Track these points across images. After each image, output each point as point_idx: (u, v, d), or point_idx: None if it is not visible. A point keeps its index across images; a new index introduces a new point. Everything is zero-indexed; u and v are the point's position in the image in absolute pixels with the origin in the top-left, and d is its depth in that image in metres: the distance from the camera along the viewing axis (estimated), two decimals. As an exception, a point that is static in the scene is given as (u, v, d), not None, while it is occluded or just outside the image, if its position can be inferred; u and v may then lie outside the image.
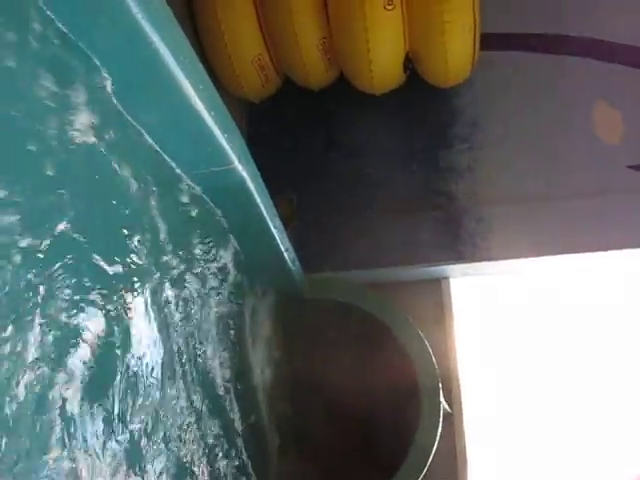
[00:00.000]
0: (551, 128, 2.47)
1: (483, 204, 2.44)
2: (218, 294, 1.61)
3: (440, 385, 2.01)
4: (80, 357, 1.02)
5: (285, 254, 1.79)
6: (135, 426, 1.18)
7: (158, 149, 1.34)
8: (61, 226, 1.01)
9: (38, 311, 0.94)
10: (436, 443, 1.93)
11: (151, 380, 1.25)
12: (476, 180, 2.48)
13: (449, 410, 2.22)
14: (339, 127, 2.64)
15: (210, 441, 1.52)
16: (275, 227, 1.68)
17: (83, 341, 1.03)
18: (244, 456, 1.71)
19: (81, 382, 1.02)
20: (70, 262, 1.02)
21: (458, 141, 2.53)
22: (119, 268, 1.16)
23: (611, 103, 2.46)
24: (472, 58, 2.34)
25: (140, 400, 1.19)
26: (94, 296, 1.08)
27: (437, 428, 1.93)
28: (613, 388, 2.49)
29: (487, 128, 2.52)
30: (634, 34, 2.51)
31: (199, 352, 1.52)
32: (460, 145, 2.52)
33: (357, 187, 2.53)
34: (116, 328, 1.13)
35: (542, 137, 2.46)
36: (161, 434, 1.27)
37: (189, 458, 1.40)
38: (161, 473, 1.26)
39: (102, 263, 1.11)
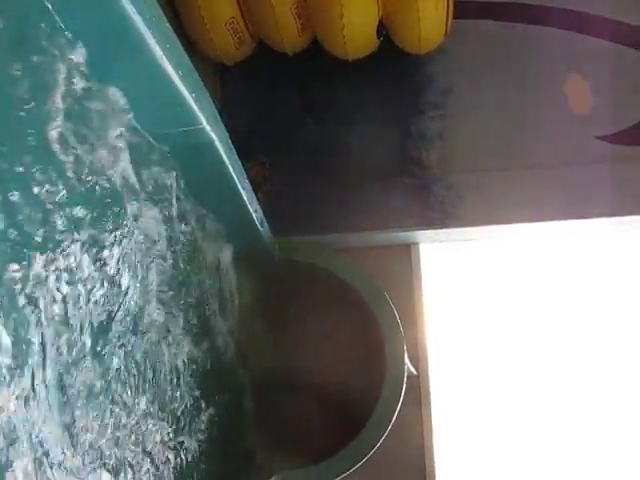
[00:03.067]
0: (522, 98, 2.49)
1: (454, 171, 2.47)
2: (185, 254, 1.62)
3: (405, 347, 2.05)
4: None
5: (254, 215, 1.81)
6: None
7: (125, 108, 1.34)
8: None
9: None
10: (399, 404, 1.98)
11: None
12: (447, 147, 2.51)
13: (415, 372, 2.27)
14: (313, 92, 2.64)
15: (179, 406, 1.55)
16: (244, 188, 1.69)
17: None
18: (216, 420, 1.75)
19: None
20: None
21: (430, 108, 2.55)
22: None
23: (581, 74, 2.48)
24: (445, 25, 2.35)
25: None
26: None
27: (401, 389, 1.98)
28: (580, 351, 2.55)
29: (459, 96, 2.54)
30: (609, 6, 2.53)
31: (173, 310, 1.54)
32: (432, 112, 2.54)
33: (329, 152, 2.55)
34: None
35: (513, 106, 2.49)
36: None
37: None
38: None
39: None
